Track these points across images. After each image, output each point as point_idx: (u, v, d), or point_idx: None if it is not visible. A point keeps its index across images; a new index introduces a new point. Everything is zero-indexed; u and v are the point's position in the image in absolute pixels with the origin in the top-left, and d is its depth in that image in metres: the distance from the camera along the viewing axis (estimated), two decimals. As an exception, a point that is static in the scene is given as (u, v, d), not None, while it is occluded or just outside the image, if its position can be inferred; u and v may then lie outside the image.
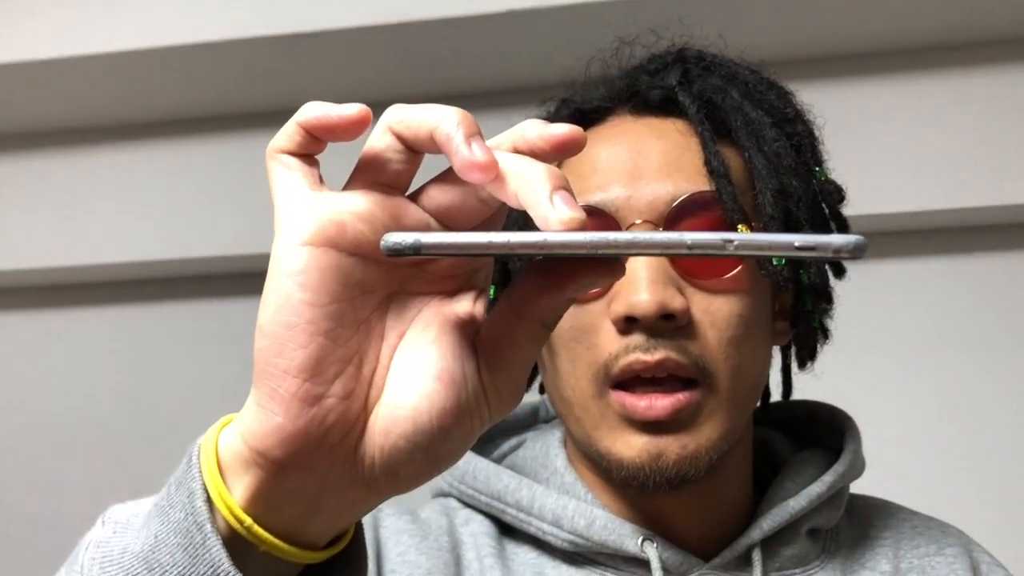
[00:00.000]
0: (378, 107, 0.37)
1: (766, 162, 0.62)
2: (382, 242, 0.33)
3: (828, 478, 0.64)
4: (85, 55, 1.24)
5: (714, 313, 0.58)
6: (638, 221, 0.59)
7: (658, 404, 0.57)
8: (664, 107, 0.64)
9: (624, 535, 0.61)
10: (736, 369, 0.59)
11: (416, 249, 0.33)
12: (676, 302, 0.57)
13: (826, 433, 0.71)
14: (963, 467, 1.29)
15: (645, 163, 0.61)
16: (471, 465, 0.67)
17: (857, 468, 0.67)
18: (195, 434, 0.40)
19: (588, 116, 0.66)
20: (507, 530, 0.67)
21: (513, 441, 0.72)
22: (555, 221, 0.32)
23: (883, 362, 1.33)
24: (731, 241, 0.31)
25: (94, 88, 1.32)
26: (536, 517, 0.63)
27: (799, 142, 0.65)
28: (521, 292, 0.36)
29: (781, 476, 0.66)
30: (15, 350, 1.49)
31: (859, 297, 1.25)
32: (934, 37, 1.27)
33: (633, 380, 0.58)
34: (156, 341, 1.46)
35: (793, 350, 0.70)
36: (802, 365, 0.70)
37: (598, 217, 0.60)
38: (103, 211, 1.41)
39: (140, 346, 1.46)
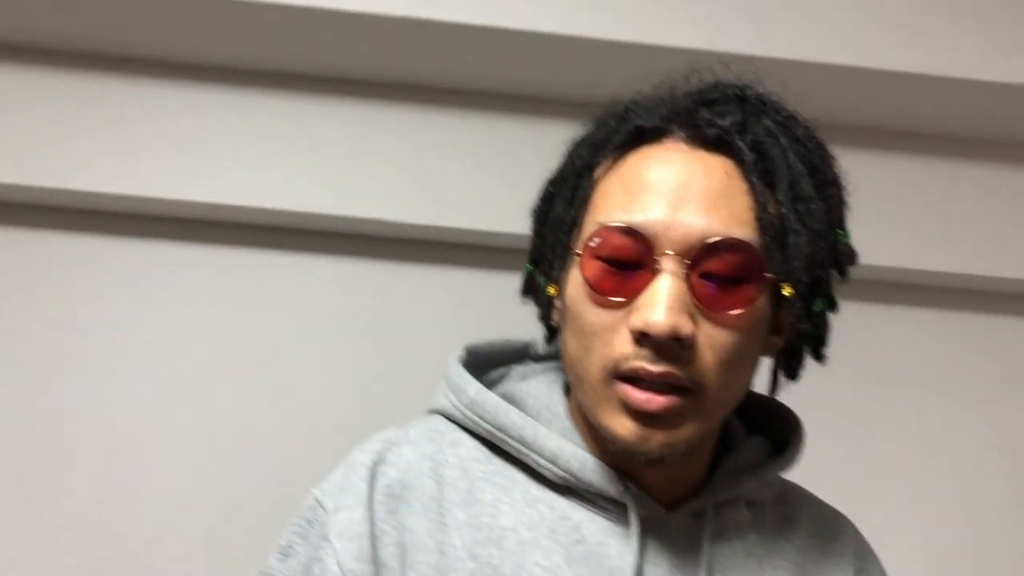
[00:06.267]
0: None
1: (797, 217, 0.69)
2: None
3: (775, 467, 0.78)
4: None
5: (715, 340, 0.67)
6: (670, 252, 0.66)
7: (654, 401, 0.67)
8: (717, 144, 0.70)
9: (609, 480, 0.73)
10: (724, 386, 0.69)
11: None
12: (687, 328, 0.66)
13: (774, 425, 0.83)
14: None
15: (688, 196, 0.67)
16: (480, 396, 0.77)
17: (795, 462, 0.80)
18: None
19: (646, 133, 0.72)
20: (499, 453, 0.77)
21: (502, 371, 0.85)
22: None
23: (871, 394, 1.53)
24: None
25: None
26: (536, 452, 0.74)
27: (830, 205, 0.72)
28: None
29: (735, 456, 0.79)
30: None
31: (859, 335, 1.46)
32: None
33: (636, 378, 0.68)
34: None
35: (782, 360, 0.78)
36: (791, 376, 0.78)
37: (637, 238, 0.67)
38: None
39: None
